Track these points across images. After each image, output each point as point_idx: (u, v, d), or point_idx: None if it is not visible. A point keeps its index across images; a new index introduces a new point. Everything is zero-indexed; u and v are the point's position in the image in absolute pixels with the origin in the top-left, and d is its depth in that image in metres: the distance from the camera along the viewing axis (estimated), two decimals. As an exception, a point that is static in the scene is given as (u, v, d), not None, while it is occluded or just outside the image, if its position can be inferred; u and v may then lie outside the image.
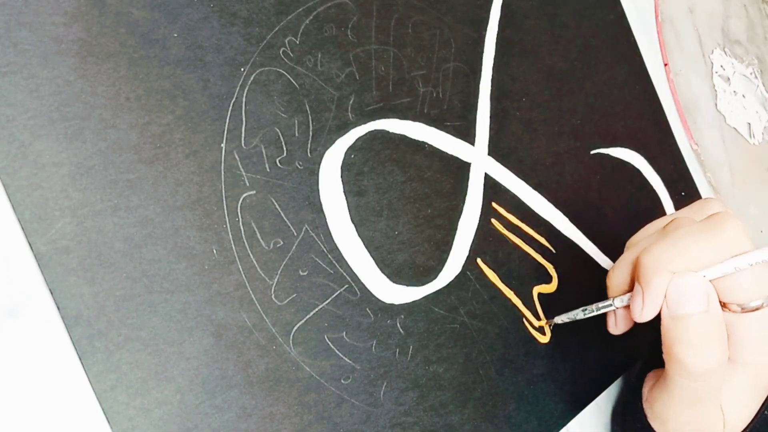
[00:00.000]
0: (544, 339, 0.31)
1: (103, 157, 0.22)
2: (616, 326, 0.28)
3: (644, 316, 0.25)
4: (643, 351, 0.33)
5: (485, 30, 0.33)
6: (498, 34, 0.33)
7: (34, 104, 0.21)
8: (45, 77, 0.21)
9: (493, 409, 0.28)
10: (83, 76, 0.22)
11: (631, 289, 0.27)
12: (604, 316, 0.29)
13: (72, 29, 0.22)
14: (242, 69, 0.25)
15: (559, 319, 0.30)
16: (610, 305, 0.28)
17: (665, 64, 0.43)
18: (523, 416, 0.29)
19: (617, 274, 0.27)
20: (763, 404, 0.25)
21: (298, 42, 0.27)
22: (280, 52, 0.26)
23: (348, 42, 0.28)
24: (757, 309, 0.24)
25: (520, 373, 0.30)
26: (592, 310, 0.28)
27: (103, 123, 0.22)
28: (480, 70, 0.32)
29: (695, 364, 0.24)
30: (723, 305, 0.25)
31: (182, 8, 0.24)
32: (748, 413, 0.25)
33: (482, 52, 0.32)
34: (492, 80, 0.32)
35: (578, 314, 0.29)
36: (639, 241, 0.28)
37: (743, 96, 0.45)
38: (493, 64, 0.32)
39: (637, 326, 0.28)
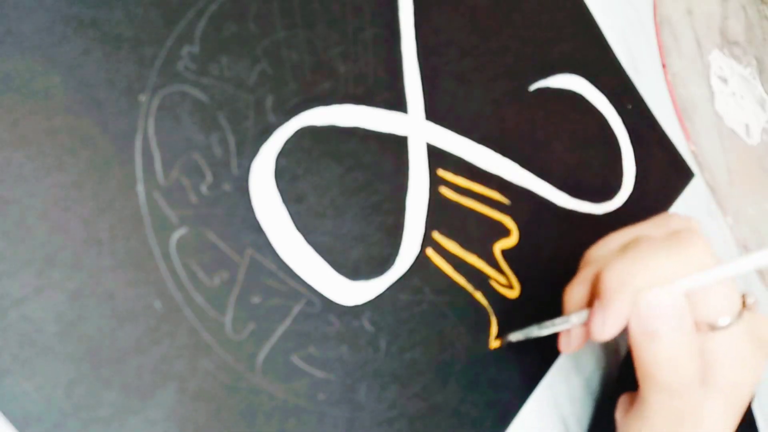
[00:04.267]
0: (513, 294, 0.31)
1: (8, 239, 0.20)
2: (569, 345, 0.27)
3: (605, 334, 0.24)
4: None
5: (397, -17, 0.30)
6: (412, -16, 0.31)
7: None
8: None
9: (476, 377, 0.29)
10: (-37, 154, 0.20)
11: (589, 305, 0.26)
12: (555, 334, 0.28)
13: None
14: (141, 97, 0.23)
15: (514, 337, 0.29)
16: (567, 322, 0.26)
17: (663, 65, 0.42)
18: (506, 375, 0.29)
19: (575, 291, 0.26)
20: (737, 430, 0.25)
21: (197, 51, 0.24)
22: (180, 67, 0.24)
23: (252, 36, 0.26)
24: (726, 327, 0.24)
25: (496, 334, 0.30)
26: (548, 326, 0.27)
27: (2, 201, 0.20)
28: (400, 31, 0.30)
29: (671, 379, 0.23)
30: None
31: (56, 47, 0.21)
32: None
33: (398, 9, 0.30)
34: (415, 39, 0.30)
35: (533, 331, 0.28)
36: (598, 257, 0.27)
37: (741, 97, 0.45)
38: (413, 21, 0.30)
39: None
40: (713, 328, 0.24)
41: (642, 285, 0.23)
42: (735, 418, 0.25)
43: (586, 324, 0.25)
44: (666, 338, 0.23)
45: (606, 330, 0.24)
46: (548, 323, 0.27)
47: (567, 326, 0.27)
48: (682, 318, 0.23)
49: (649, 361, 0.24)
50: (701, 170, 0.42)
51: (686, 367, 0.23)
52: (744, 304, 0.24)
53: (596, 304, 0.24)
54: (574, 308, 0.27)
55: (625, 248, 0.25)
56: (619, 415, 0.27)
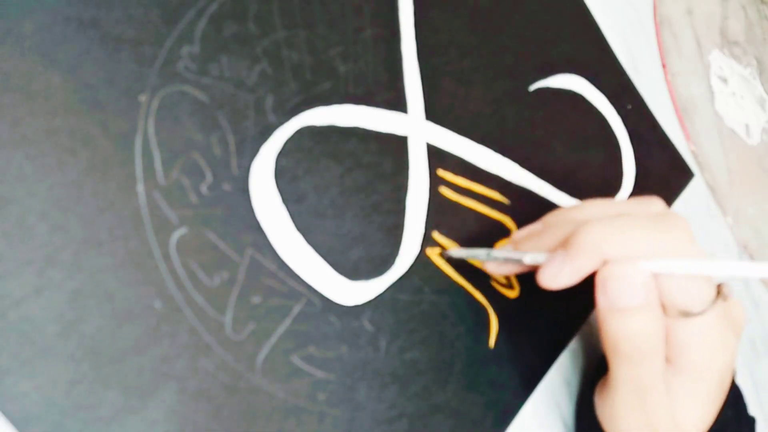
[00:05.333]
0: (513, 294, 0.31)
1: (7, 239, 0.20)
2: (498, 269, 0.27)
3: (555, 282, 0.24)
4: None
5: (397, -17, 0.30)
6: (412, -16, 0.31)
7: None
8: None
9: (476, 377, 0.29)
10: (-37, 154, 0.20)
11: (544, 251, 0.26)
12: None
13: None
14: (141, 97, 0.23)
15: (455, 253, 0.28)
16: (520, 257, 0.26)
17: (663, 65, 0.42)
18: (506, 375, 0.29)
19: (534, 241, 0.26)
20: (720, 411, 0.25)
21: (197, 51, 0.24)
22: (180, 67, 0.24)
23: (252, 36, 0.26)
24: (697, 314, 0.24)
25: (496, 334, 0.30)
26: (498, 254, 0.27)
27: (2, 201, 0.20)
28: (400, 31, 0.30)
29: (633, 351, 0.24)
30: (663, 308, 0.24)
31: (56, 47, 0.21)
32: (699, 418, 0.25)
33: (398, 10, 0.30)
34: (415, 39, 0.30)
35: (479, 254, 0.27)
36: (573, 218, 0.26)
37: (741, 97, 0.45)
38: (413, 21, 0.30)
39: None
40: (685, 314, 0.24)
41: (614, 254, 0.24)
42: (711, 398, 0.25)
43: (536, 267, 0.26)
44: (631, 313, 0.23)
45: (558, 278, 0.24)
46: (501, 252, 0.27)
47: (516, 258, 0.26)
48: (647, 297, 0.23)
49: (613, 333, 0.24)
50: (701, 170, 0.42)
51: (649, 341, 0.24)
52: (719, 293, 0.24)
53: (560, 252, 0.24)
54: (526, 249, 0.27)
55: (610, 217, 0.25)
56: (596, 399, 0.28)
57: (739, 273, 0.23)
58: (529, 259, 0.26)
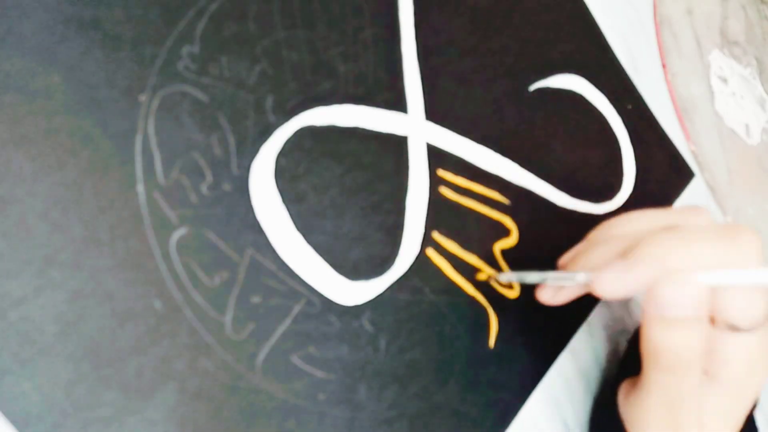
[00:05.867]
0: (513, 294, 0.31)
1: (8, 239, 0.20)
2: (554, 297, 0.27)
3: (610, 291, 0.23)
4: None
5: (397, -17, 0.30)
6: (412, -16, 0.31)
7: None
8: None
9: (476, 377, 0.29)
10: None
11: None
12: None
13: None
14: (141, 97, 0.23)
15: (505, 277, 0.28)
16: (572, 279, 0.25)
17: (663, 65, 0.42)
18: (506, 375, 0.29)
19: (589, 258, 0.26)
20: (744, 426, 0.25)
21: (197, 51, 0.24)
22: (180, 67, 0.24)
23: (252, 36, 0.26)
24: (745, 331, 0.23)
25: (496, 334, 0.29)
26: (550, 277, 0.26)
27: (2, 201, 0.20)
28: (400, 31, 0.30)
29: (673, 362, 0.23)
30: (711, 320, 0.24)
31: (56, 47, 0.21)
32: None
33: (398, 10, 0.30)
34: (415, 39, 0.30)
35: (529, 276, 0.27)
36: (627, 232, 0.26)
37: (741, 97, 0.44)
38: (413, 21, 0.30)
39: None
40: (734, 329, 0.23)
41: (677, 265, 0.23)
42: (738, 417, 0.25)
43: (587, 284, 0.25)
44: (677, 326, 0.23)
45: (614, 287, 0.23)
46: (552, 274, 0.26)
47: (569, 283, 0.26)
48: (698, 310, 0.23)
49: (655, 341, 0.23)
50: (701, 170, 0.42)
51: (690, 353, 0.23)
52: None
53: (619, 261, 0.24)
54: (582, 268, 0.26)
55: (670, 228, 0.24)
56: (621, 397, 0.27)
57: None
58: (581, 278, 0.25)
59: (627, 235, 0.25)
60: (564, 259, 0.28)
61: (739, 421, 0.25)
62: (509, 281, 0.28)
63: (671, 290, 0.23)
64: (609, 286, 0.23)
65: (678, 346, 0.23)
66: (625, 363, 0.31)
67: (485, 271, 0.29)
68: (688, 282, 0.22)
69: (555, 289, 0.27)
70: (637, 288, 0.23)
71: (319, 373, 0.25)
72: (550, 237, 0.32)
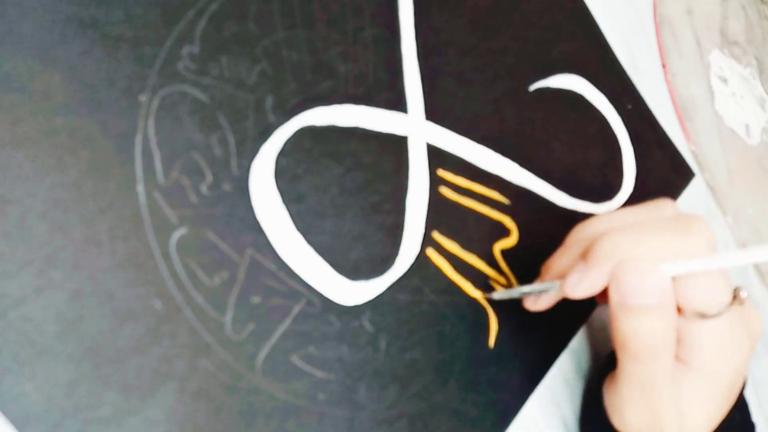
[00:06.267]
0: (513, 294, 0.31)
1: (8, 239, 0.20)
2: (536, 303, 0.28)
3: (576, 292, 0.24)
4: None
5: (397, -17, 0.30)
6: (412, -16, 0.31)
7: None
8: None
9: (476, 377, 0.29)
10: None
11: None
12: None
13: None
14: (141, 97, 0.23)
15: (497, 296, 0.29)
16: (553, 287, 0.27)
17: (663, 65, 0.42)
18: (506, 375, 0.29)
19: (563, 259, 0.27)
20: (729, 412, 0.26)
21: (197, 51, 0.24)
22: (180, 67, 0.24)
23: (252, 36, 0.26)
24: (713, 316, 0.24)
25: (496, 334, 0.29)
26: (535, 288, 0.28)
27: (2, 201, 0.20)
28: (400, 31, 0.30)
29: (643, 350, 0.24)
30: (678, 309, 0.24)
31: (56, 47, 0.21)
32: (706, 418, 0.25)
33: (398, 9, 0.30)
34: (415, 39, 0.30)
35: (516, 292, 0.28)
36: (590, 233, 0.27)
37: (741, 97, 0.45)
38: (413, 21, 0.30)
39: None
40: (701, 316, 0.24)
41: (632, 258, 0.24)
42: (717, 401, 0.25)
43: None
44: (642, 313, 0.23)
45: (578, 288, 0.25)
46: (537, 285, 0.28)
47: (552, 291, 0.27)
48: (660, 299, 0.23)
49: (623, 330, 0.24)
50: (701, 170, 0.42)
51: (658, 341, 0.24)
52: (735, 297, 0.25)
53: (580, 263, 0.25)
54: (553, 277, 0.27)
55: (625, 226, 0.25)
56: (605, 388, 0.28)
57: (746, 260, 0.23)
58: (550, 286, 0.27)
59: (589, 237, 0.26)
60: (545, 264, 0.29)
61: (719, 405, 0.26)
62: (501, 299, 0.29)
63: (631, 279, 0.23)
64: (574, 288, 0.25)
65: (644, 334, 0.24)
66: (612, 356, 0.31)
67: (478, 291, 0.30)
68: (646, 271, 0.23)
69: (536, 296, 0.28)
70: (600, 285, 0.24)
71: (319, 373, 0.25)
72: (550, 237, 0.32)
